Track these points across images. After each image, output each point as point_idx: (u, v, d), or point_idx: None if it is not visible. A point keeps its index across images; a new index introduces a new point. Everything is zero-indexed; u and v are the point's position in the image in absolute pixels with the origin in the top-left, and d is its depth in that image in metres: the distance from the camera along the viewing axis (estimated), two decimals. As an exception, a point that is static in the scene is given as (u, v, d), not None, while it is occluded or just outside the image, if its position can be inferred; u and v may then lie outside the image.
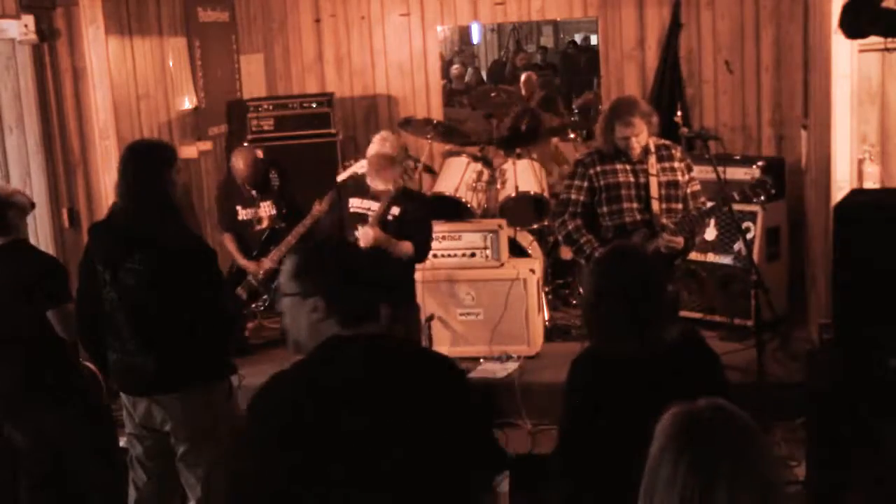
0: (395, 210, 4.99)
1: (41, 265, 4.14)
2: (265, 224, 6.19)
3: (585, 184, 4.80)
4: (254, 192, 6.17)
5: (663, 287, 3.06)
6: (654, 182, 4.75)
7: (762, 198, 4.78)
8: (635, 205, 4.74)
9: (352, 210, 5.09)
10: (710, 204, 4.85)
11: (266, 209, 6.20)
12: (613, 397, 2.84)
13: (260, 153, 6.23)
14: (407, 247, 4.97)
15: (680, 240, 4.70)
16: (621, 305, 2.88)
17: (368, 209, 5.03)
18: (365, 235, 4.84)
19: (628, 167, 4.77)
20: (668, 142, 4.96)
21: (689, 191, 4.84)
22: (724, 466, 1.72)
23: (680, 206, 4.80)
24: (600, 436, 2.84)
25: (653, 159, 4.78)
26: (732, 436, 1.76)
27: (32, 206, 4.36)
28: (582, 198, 4.81)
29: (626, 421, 2.75)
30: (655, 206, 4.73)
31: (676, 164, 4.83)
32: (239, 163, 6.10)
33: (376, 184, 5.03)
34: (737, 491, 1.71)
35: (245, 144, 6.50)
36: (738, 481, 1.71)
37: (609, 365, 2.89)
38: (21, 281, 4.03)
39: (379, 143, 5.03)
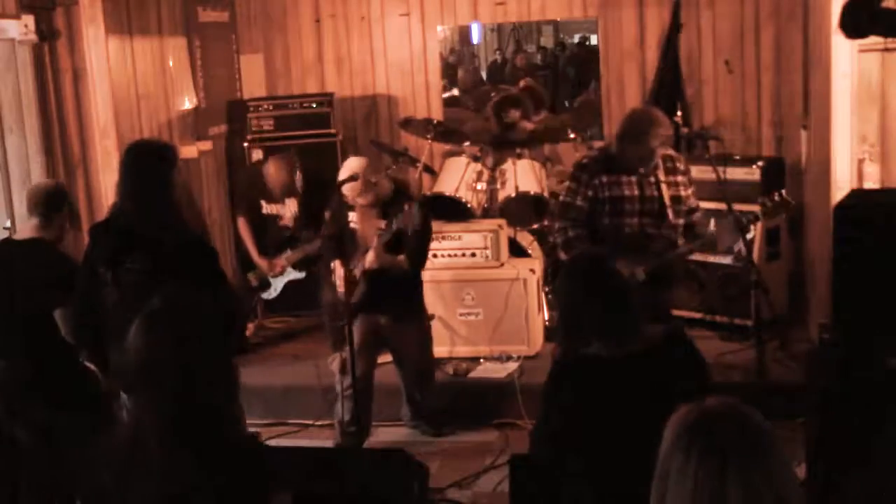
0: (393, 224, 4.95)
1: (57, 264, 4.15)
2: (286, 221, 6.25)
3: (589, 193, 4.70)
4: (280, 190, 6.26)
5: (629, 293, 3.16)
6: (665, 192, 4.68)
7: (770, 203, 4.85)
8: (636, 219, 4.68)
9: (351, 225, 5.05)
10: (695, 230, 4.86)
11: (290, 207, 6.25)
12: (594, 397, 2.90)
13: (296, 161, 6.32)
14: (403, 261, 4.95)
15: (640, 272, 4.58)
16: (588, 311, 3.00)
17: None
18: (370, 262, 4.87)
19: (633, 179, 4.68)
20: (673, 153, 4.87)
21: (686, 206, 4.78)
22: (735, 450, 1.77)
23: (682, 221, 4.76)
24: (584, 435, 2.89)
25: (661, 172, 4.70)
26: (742, 424, 1.83)
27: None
28: (585, 207, 4.73)
29: (607, 421, 2.81)
30: (671, 214, 4.68)
31: (680, 179, 4.76)
32: (273, 171, 6.23)
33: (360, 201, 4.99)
34: (749, 476, 1.76)
35: (282, 154, 6.46)
36: (749, 465, 1.76)
37: (587, 365, 2.96)
38: (35, 278, 4.04)
39: (351, 190, 4.90)
